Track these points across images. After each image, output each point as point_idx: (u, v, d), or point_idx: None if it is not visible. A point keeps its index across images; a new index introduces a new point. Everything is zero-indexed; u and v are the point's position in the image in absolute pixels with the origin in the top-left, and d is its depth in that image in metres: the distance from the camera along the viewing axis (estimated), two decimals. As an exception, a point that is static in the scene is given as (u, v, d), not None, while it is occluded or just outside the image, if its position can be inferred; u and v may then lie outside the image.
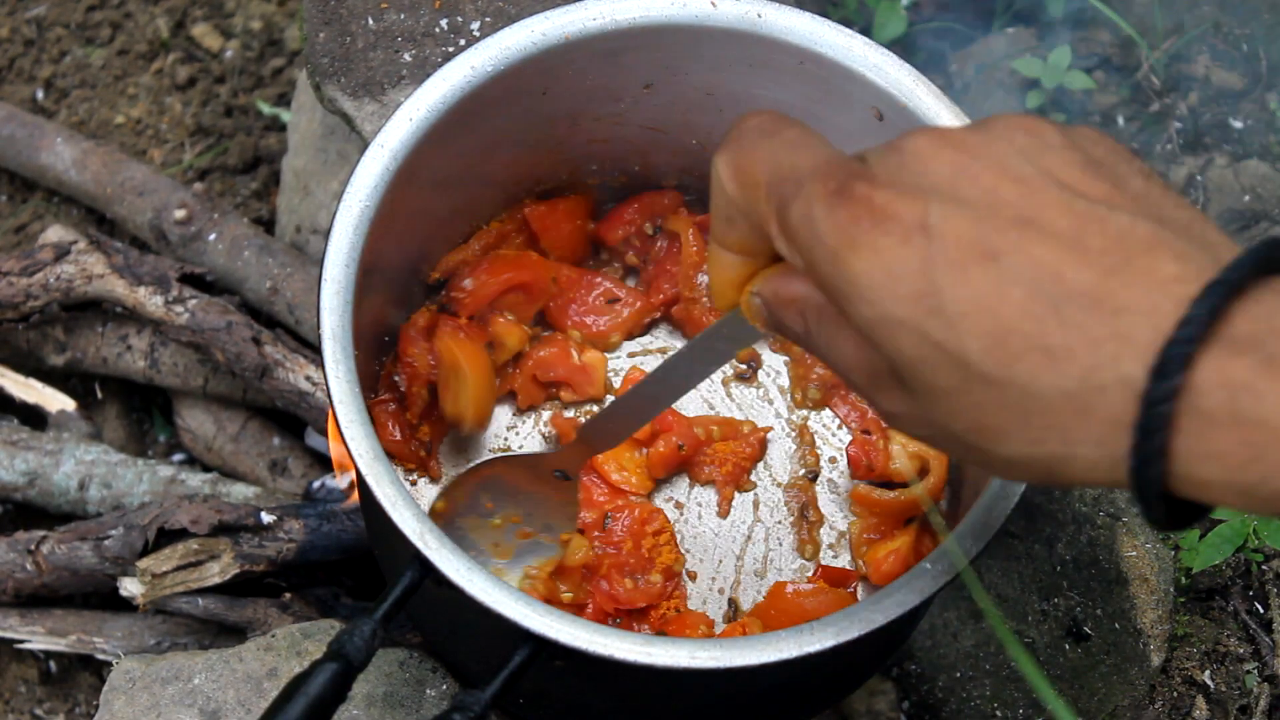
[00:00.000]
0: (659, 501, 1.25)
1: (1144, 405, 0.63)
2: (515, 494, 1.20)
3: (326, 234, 1.07)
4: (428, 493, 1.23)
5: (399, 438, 1.20)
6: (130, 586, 1.39)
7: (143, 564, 1.36)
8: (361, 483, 1.00)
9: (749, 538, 1.23)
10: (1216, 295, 0.63)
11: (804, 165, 0.75)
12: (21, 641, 1.48)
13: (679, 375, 1.02)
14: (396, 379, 1.22)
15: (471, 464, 1.23)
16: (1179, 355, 0.63)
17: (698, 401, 1.28)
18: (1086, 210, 0.68)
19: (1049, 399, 0.66)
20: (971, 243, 0.68)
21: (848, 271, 0.71)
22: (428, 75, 1.12)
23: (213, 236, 1.61)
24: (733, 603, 1.21)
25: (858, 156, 0.75)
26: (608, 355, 1.29)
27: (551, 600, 1.14)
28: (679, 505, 1.25)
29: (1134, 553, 1.32)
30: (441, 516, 1.18)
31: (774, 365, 1.30)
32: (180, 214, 1.62)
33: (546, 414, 1.28)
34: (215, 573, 1.36)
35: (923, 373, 0.70)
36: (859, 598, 1.18)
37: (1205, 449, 0.63)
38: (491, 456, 1.25)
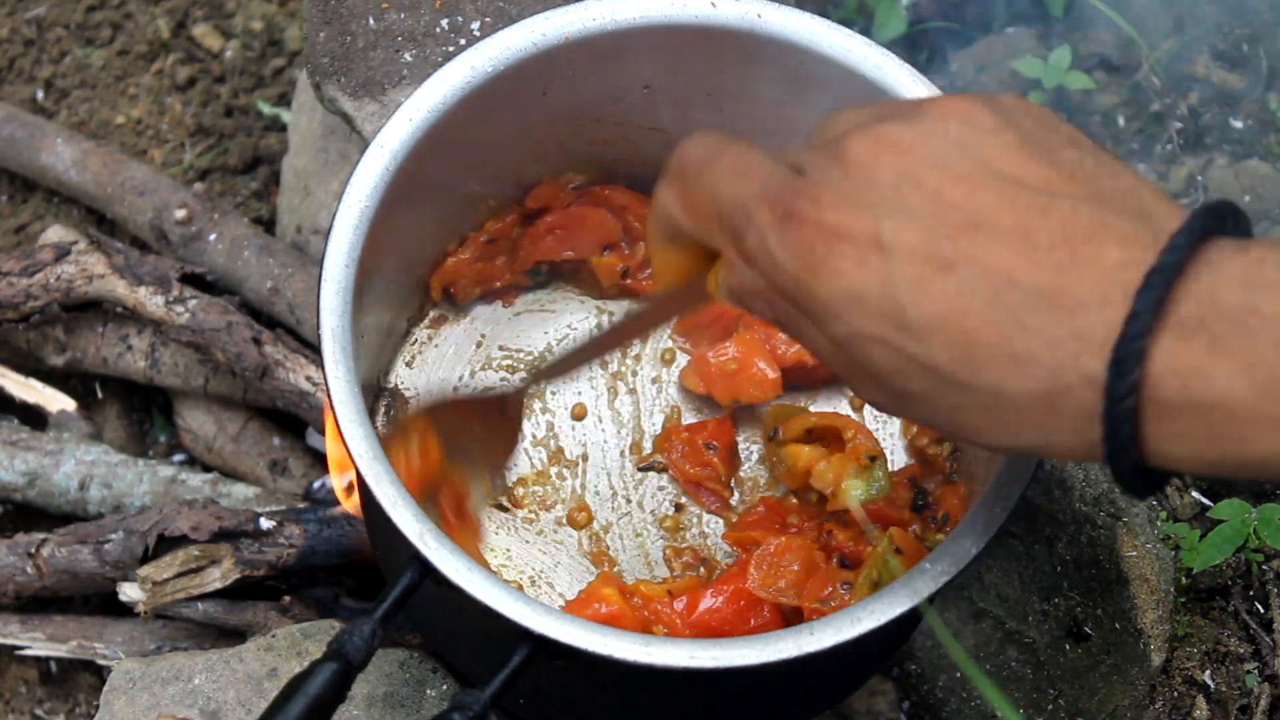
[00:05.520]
0: None
1: (1108, 401, 0.67)
2: (465, 427, 1.19)
3: (326, 234, 1.07)
4: None
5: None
6: (130, 592, 1.39)
7: (143, 571, 1.36)
8: (361, 483, 1.00)
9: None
10: (1159, 286, 0.66)
11: (747, 193, 0.77)
12: (22, 648, 1.48)
13: (627, 332, 1.06)
14: None
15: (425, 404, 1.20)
16: (1133, 351, 0.66)
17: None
18: (1029, 202, 0.70)
19: (1021, 400, 0.70)
20: (926, 255, 0.70)
21: (813, 295, 0.74)
22: (428, 75, 1.12)
23: (213, 236, 1.61)
24: None
25: (794, 166, 0.77)
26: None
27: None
28: None
29: (1134, 553, 1.32)
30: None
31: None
32: (181, 214, 1.62)
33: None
34: (216, 578, 1.36)
35: (897, 380, 0.73)
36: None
37: (1170, 431, 0.67)
38: (443, 397, 1.21)
